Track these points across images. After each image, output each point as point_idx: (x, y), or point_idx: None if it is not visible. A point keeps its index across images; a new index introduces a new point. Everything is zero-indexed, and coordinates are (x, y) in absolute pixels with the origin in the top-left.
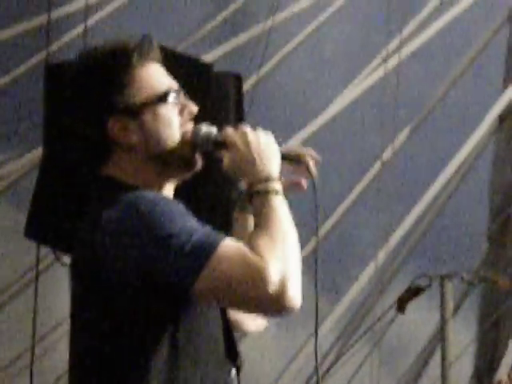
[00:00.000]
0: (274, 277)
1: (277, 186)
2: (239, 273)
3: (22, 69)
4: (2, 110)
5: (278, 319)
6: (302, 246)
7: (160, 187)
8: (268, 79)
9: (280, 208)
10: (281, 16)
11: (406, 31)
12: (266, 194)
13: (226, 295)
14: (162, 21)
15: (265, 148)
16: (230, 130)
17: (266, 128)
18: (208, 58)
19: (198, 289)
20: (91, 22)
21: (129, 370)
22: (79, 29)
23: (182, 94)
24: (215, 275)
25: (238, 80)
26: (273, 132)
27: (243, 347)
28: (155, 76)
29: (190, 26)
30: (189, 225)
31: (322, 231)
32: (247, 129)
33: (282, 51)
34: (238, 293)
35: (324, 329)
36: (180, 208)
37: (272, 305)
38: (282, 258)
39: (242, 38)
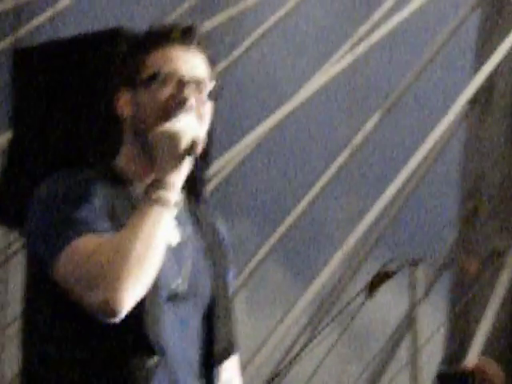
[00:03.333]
0: (105, 291)
1: (171, 196)
2: (77, 273)
3: None
4: None
5: (247, 303)
6: (272, 232)
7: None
8: (239, 63)
9: (156, 220)
10: (251, 0)
11: (376, 16)
12: (153, 200)
13: (68, 288)
14: (133, 5)
15: (178, 151)
16: (156, 130)
17: (235, 112)
18: None
19: (54, 273)
20: (60, 5)
21: (45, 339)
22: (47, 14)
23: (191, 86)
24: (62, 268)
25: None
26: (244, 116)
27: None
28: (169, 59)
29: (161, 9)
30: (69, 211)
31: (293, 216)
32: (168, 128)
33: (253, 35)
34: (75, 290)
35: (294, 313)
36: (77, 195)
37: (97, 311)
38: (126, 269)
39: (214, 21)
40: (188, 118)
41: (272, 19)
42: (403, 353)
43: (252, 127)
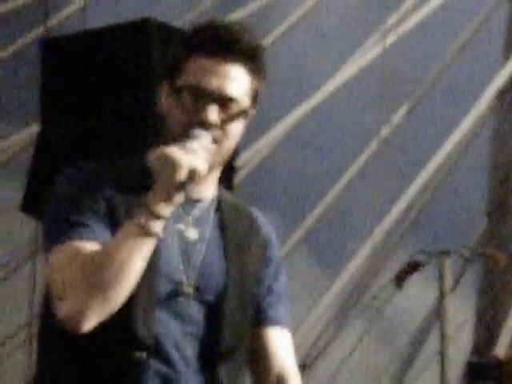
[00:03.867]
0: (70, 308)
1: (156, 226)
2: (53, 278)
3: (20, 43)
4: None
5: None
6: (300, 223)
7: None
8: (267, 55)
9: (134, 248)
10: None
11: (405, 7)
12: (137, 225)
13: (49, 286)
14: None
15: (174, 181)
16: (158, 152)
17: (264, 103)
18: None
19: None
20: None
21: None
22: (78, 4)
23: (215, 103)
24: (47, 268)
25: None
26: (271, 108)
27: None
28: (200, 70)
29: (190, 1)
30: (64, 213)
31: (321, 207)
32: (170, 154)
33: (280, 27)
34: (51, 292)
35: (322, 304)
36: (77, 196)
37: (61, 322)
38: (91, 294)
39: (241, 13)
40: (202, 140)
41: (300, 10)
42: (432, 343)
43: (280, 118)
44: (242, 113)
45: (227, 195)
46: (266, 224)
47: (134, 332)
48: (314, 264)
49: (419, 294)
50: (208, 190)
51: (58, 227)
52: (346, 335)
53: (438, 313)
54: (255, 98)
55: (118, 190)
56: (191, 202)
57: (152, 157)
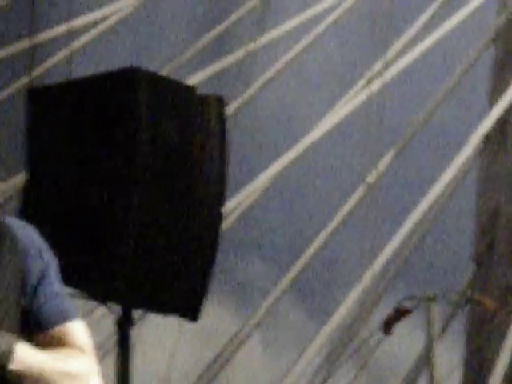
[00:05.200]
0: None
1: None
2: None
3: (5, 94)
4: None
5: (262, 343)
6: (287, 271)
7: None
8: (252, 102)
9: None
10: (265, 39)
11: (390, 54)
12: None
13: None
14: (147, 44)
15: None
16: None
17: (249, 151)
18: (192, 81)
19: None
20: (75, 46)
21: None
22: (63, 53)
23: None
24: None
25: (221, 102)
26: (257, 155)
27: (230, 371)
28: None
29: (175, 49)
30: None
31: (308, 254)
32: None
33: (266, 74)
34: None
35: (311, 351)
36: None
37: None
38: None
39: (227, 61)
40: None
41: (285, 57)
42: None
43: (266, 165)
44: None
45: None
46: (24, 228)
47: None
48: (302, 312)
49: (408, 339)
50: None
51: None
52: (335, 382)
53: (426, 358)
54: None
55: None
56: None
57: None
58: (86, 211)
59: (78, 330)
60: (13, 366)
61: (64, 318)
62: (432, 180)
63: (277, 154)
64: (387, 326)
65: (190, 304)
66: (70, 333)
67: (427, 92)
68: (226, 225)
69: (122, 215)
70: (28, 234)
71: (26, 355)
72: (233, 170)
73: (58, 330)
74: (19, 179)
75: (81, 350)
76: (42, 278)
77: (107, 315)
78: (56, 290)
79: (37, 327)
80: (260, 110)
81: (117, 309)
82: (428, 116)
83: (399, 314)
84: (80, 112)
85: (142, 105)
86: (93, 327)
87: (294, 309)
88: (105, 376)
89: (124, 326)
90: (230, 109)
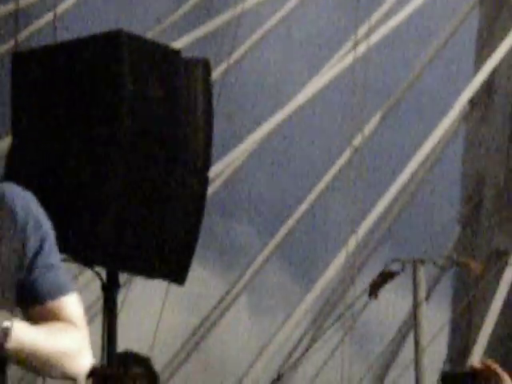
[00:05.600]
0: None
1: None
2: None
3: None
4: None
5: (249, 306)
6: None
7: None
8: (238, 65)
9: None
10: (250, 2)
11: (375, 17)
12: None
13: None
14: (132, 8)
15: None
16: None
17: (235, 114)
18: (178, 44)
19: None
20: (60, 9)
21: None
22: (48, 17)
23: None
24: None
25: (207, 66)
26: (243, 119)
27: (216, 335)
28: None
29: (160, 12)
30: None
31: (294, 217)
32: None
33: (251, 37)
34: None
35: (297, 316)
36: None
37: None
38: None
39: (212, 24)
40: None
41: (271, 20)
42: (408, 353)
43: (252, 129)
44: None
45: None
46: (22, 197)
47: None
48: (288, 275)
49: (394, 303)
50: None
51: None
52: (321, 345)
53: (412, 321)
54: None
55: None
56: None
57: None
58: (71, 174)
59: (72, 303)
60: (10, 344)
61: (59, 291)
62: (418, 144)
63: (263, 118)
64: (373, 290)
65: (177, 268)
66: (64, 307)
67: (413, 56)
68: (212, 189)
69: (106, 177)
70: (26, 204)
71: (22, 334)
72: (219, 134)
73: (53, 303)
74: (4, 143)
75: (74, 324)
76: (39, 249)
77: (94, 279)
78: (52, 262)
79: (32, 300)
80: (246, 74)
81: (103, 272)
82: (413, 80)
83: (385, 277)
84: (64, 76)
85: (126, 68)
86: (80, 290)
87: (280, 272)
88: (92, 340)
89: (110, 290)
90: (215, 72)
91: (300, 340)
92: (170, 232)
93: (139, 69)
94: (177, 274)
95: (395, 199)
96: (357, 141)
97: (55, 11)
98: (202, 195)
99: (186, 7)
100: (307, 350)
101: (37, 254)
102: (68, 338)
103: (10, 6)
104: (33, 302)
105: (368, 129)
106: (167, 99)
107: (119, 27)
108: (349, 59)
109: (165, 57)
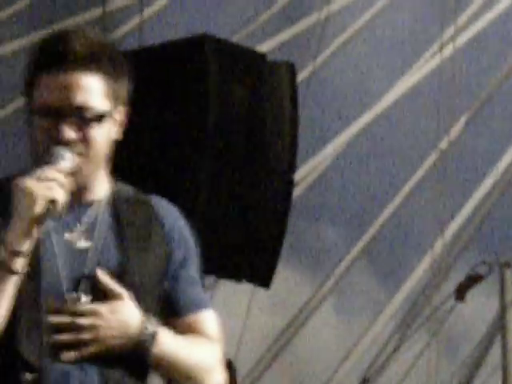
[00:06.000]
0: None
1: (15, 264)
2: None
3: None
4: None
5: (335, 309)
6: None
7: None
8: (324, 68)
9: None
10: (336, 5)
11: (461, 20)
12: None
13: None
14: (217, 12)
15: (31, 215)
16: (15, 183)
17: (321, 117)
18: (263, 48)
19: None
20: (147, 14)
21: None
22: (134, 21)
23: (65, 116)
24: None
25: (292, 69)
26: (328, 121)
27: (303, 337)
28: (40, 90)
29: (246, 16)
30: None
31: (380, 220)
32: (25, 186)
33: (337, 41)
34: None
35: (383, 318)
36: None
37: None
38: None
39: (298, 27)
40: (63, 161)
41: (356, 23)
42: (495, 356)
43: (338, 132)
44: (100, 117)
45: (125, 189)
46: (170, 211)
47: (20, 353)
48: (374, 278)
49: (481, 306)
50: (98, 192)
51: None
52: (408, 349)
53: (499, 325)
54: (118, 97)
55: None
56: (81, 208)
57: (13, 185)
58: (157, 179)
59: (210, 319)
60: (155, 349)
61: (199, 306)
62: (504, 146)
63: (348, 121)
64: (460, 293)
65: (263, 271)
66: (202, 321)
67: (499, 58)
68: (298, 191)
69: (192, 182)
70: (173, 218)
71: (167, 341)
72: (304, 137)
73: (193, 317)
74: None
75: (211, 339)
76: (184, 263)
77: None
78: (194, 278)
79: (172, 312)
80: (331, 77)
81: None
82: (500, 82)
83: (472, 280)
84: (149, 80)
85: (212, 72)
86: None
87: (367, 275)
88: None
89: None
90: (301, 75)
91: (386, 343)
92: (255, 235)
93: (224, 73)
94: (263, 277)
95: (482, 201)
96: (444, 143)
97: (142, 16)
98: (288, 198)
99: (271, 11)
100: (393, 352)
101: (181, 267)
102: (206, 352)
103: (98, 12)
104: (173, 314)
105: (455, 131)
106: (253, 102)
107: (205, 31)
108: (435, 61)
109: (250, 60)
